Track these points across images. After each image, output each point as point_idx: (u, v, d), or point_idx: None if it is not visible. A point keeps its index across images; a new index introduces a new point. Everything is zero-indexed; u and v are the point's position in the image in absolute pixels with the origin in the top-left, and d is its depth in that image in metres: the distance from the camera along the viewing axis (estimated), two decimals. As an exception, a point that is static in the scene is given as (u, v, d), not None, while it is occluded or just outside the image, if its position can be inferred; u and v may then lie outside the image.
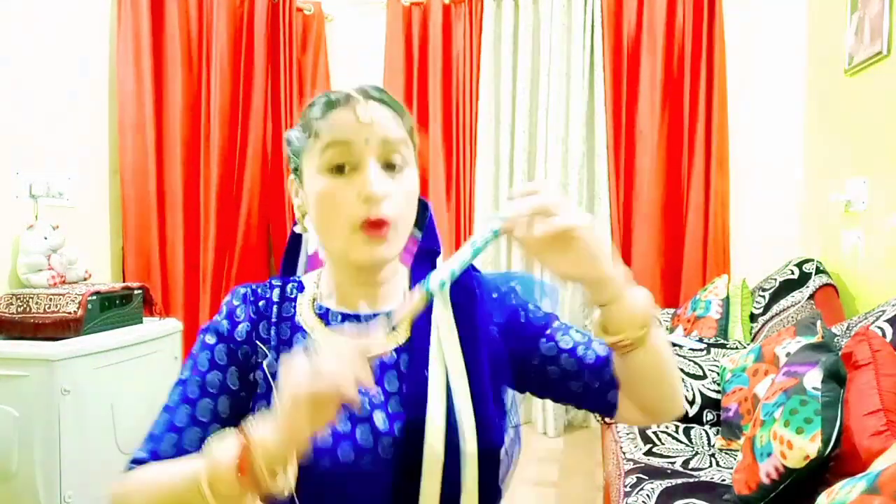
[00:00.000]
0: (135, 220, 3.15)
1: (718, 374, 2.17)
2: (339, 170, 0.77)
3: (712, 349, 2.33)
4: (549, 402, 2.93)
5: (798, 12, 3.16)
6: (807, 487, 1.32)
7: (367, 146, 0.77)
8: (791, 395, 1.41)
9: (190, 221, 3.32)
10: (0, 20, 2.44)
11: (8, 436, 2.00)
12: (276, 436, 0.62)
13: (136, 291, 2.47)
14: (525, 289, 0.90)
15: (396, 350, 0.81)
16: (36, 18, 2.59)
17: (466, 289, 0.84)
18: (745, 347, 2.24)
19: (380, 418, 0.77)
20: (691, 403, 2.15)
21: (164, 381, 2.04)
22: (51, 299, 2.17)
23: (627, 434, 2.06)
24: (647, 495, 1.57)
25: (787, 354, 1.76)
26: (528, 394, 0.89)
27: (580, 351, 0.85)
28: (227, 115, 3.37)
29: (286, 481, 0.63)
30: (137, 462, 0.74)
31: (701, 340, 2.43)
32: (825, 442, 1.30)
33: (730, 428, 1.95)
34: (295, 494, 0.70)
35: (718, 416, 2.08)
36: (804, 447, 1.31)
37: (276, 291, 0.85)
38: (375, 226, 0.75)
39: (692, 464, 1.81)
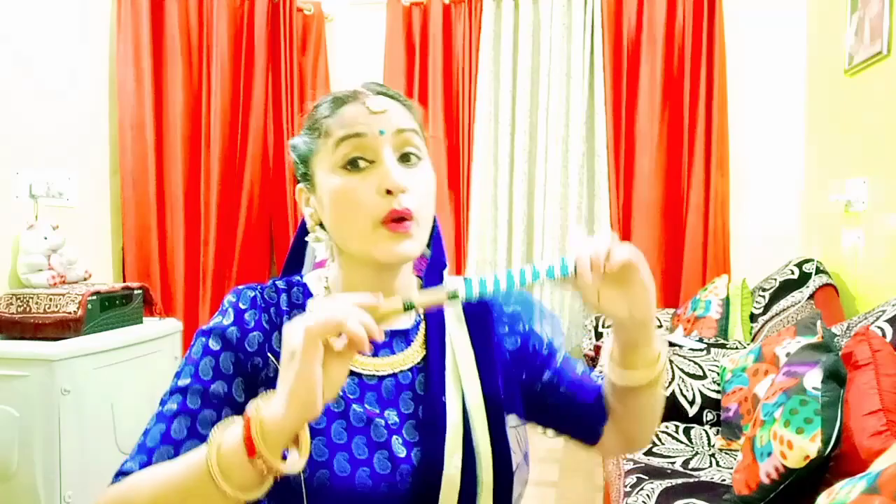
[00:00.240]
0: (135, 220, 3.15)
1: (718, 374, 2.17)
2: (354, 166, 0.74)
3: (712, 349, 2.33)
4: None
5: (798, 12, 3.16)
6: (807, 487, 1.32)
7: (382, 137, 0.74)
8: (791, 395, 1.41)
9: (190, 221, 3.32)
10: (0, 20, 2.44)
11: (8, 436, 1.99)
12: (281, 406, 0.58)
13: (136, 291, 2.47)
14: (525, 310, 0.90)
15: (412, 370, 0.79)
16: (36, 18, 2.59)
17: (481, 309, 0.84)
18: (745, 347, 2.23)
19: (398, 445, 0.75)
20: (691, 403, 2.14)
21: (164, 381, 2.01)
22: (51, 299, 2.17)
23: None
24: (647, 495, 1.57)
25: (787, 354, 1.75)
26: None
27: (578, 383, 0.87)
28: (228, 115, 3.37)
29: (298, 460, 0.60)
30: (126, 474, 0.67)
31: (701, 340, 2.43)
32: (825, 442, 1.30)
33: (730, 428, 1.95)
34: None
35: (718, 416, 2.08)
36: (804, 447, 1.31)
37: (284, 297, 0.80)
38: (398, 220, 0.72)
39: (692, 464, 1.81)
